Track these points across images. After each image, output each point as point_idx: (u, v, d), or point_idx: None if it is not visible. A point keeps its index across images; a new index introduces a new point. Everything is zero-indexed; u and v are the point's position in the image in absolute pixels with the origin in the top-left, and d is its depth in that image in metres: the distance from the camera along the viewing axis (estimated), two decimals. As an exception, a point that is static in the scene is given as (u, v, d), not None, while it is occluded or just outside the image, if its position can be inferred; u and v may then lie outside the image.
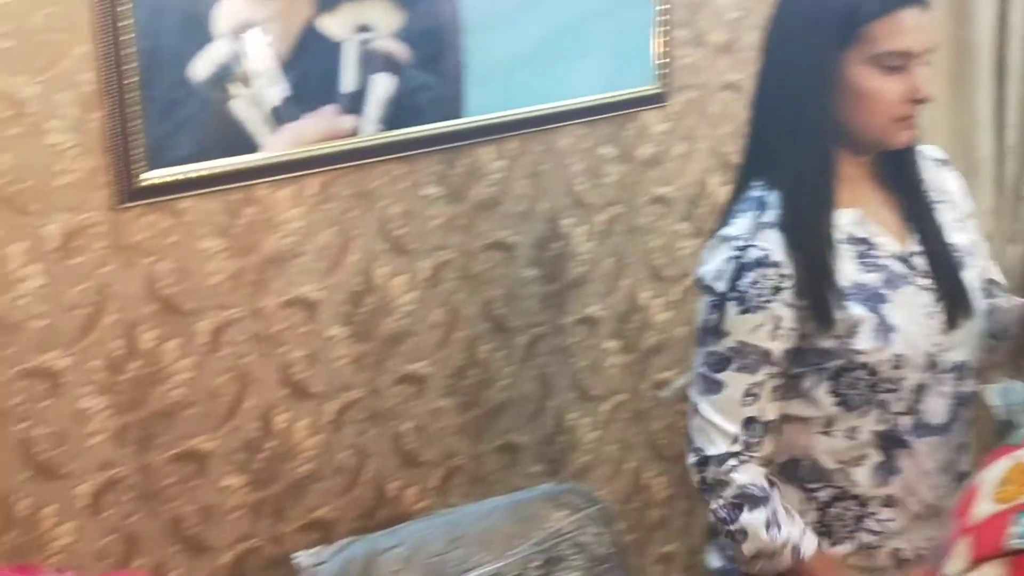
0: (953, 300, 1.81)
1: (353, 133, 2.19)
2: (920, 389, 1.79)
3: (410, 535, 2.17)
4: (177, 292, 2.04)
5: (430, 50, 2.26)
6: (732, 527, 1.78)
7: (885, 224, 1.83)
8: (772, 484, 1.79)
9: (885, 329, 1.75)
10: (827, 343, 1.76)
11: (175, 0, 1.95)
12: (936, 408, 1.81)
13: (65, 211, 1.91)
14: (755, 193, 1.81)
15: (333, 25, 2.13)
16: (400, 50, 2.22)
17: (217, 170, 2.04)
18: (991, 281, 1.93)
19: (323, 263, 2.20)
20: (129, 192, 1.95)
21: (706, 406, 1.78)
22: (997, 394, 2.57)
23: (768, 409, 1.78)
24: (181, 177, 2.00)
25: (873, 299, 1.77)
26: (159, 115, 1.95)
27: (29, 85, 1.84)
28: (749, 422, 1.77)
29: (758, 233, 1.76)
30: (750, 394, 1.76)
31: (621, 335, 2.69)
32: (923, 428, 1.81)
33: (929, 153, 1.92)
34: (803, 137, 1.77)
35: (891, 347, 1.75)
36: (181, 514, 2.10)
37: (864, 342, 1.75)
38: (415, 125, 2.26)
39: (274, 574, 2.20)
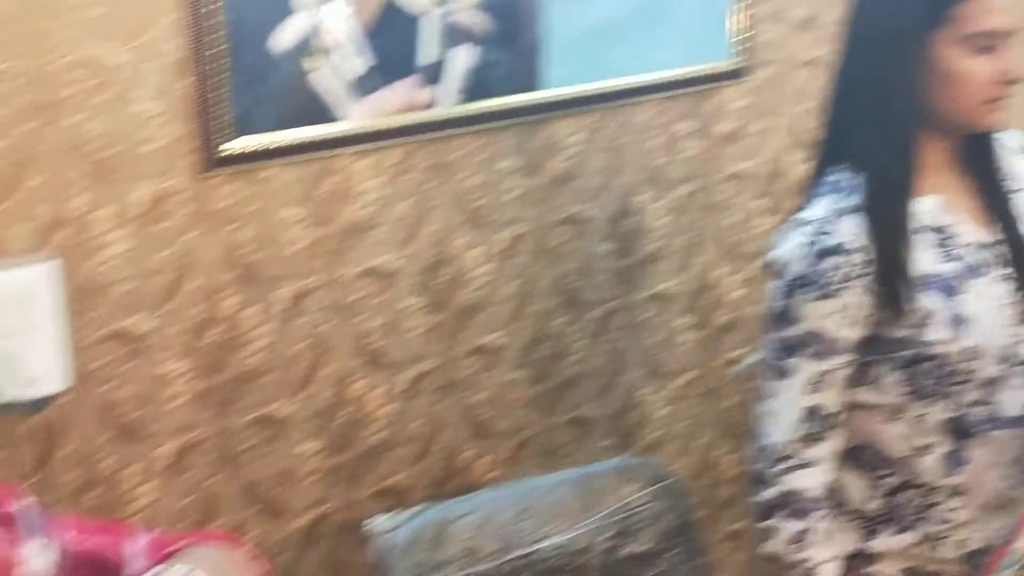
0: None
1: (431, 105, 2.20)
2: (993, 381, 1.76)
3: (482, 503, 2.18)
4: (257, 260, 2.07)
5: (508, 23, 2.26)
6: (761, 523, 1.78)
7: (966, 212, 1.80)
8: (822, 500, 1.77)
9: (958, 321, 1.73)
10: (899, 333, 1.74)
11: (260, -29, 1.97)
12: (1010, 400, 1.77)
13: (151, 178, 1.94)
14: (834, 176, 1.79)
15: (414, -3, 2.15)
16: (480, 22, 2.23)
17: (298, 140, 2.06)
18: None
19: (400, 234, 2.22)
20: (213, 160, 1.98)
21: (771, 392, 1.77)
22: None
23: (833, 400, 1.75)
24: (263, 146, 2.02)
25: (948, 290, 1.74)
26: (243, 85, 1.98)
27: (118, 52, 1.87)
28: (812, 412, 1.74)
29: (838, 218, 1.73)
30: (816, 383, 1.74)
31: (694, 312, 2.69)
32: (996, 420, 1.77)
33: (1007, 141, 1.88)
34: (888, 120, 1.75)
35: (963, 339, 1.73)
36: (258, 478, 2.14)
37: (935, 333, 1.72)
38: (493, 98, 2.27)
39: (347, 539, 2.23)
